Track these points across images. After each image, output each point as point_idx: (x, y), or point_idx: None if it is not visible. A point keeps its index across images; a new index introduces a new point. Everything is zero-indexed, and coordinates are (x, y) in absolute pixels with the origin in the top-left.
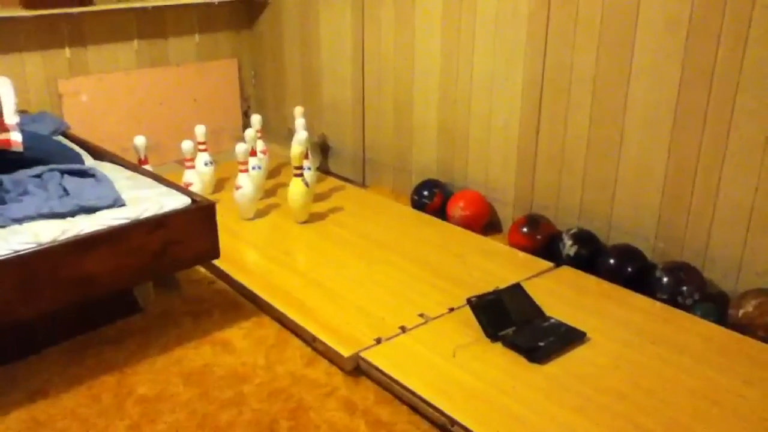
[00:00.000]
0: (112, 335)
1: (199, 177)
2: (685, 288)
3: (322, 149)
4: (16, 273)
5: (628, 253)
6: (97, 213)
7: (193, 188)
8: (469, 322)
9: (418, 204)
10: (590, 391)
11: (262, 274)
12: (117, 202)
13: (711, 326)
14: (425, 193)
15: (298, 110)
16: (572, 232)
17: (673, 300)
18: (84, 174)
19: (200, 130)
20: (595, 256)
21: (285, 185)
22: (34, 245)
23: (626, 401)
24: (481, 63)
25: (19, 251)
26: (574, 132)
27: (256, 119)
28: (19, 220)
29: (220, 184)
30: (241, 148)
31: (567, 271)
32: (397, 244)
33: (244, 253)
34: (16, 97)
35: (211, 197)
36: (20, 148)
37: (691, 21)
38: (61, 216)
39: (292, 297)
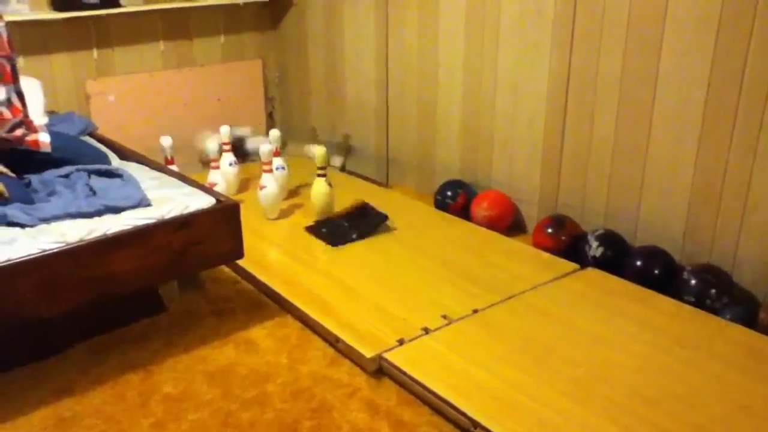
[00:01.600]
0: (136, 334)
1: (223, 177)
2: (713, 291)
3: (345, 149)
4: (44, 272)
5: (655, 255)
6: (123, 213)
7: (217, 188)
8: (493, 324)
9: (442, 204)
10: (615, 394)
11: (286, 274)
12: (143, 202)
13: (740, 330)
14: (449, 193)
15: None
16: (598, 233)
17: (701, 303)
18: (111, 174)
19: (225, 131)
20: (621, 258)
21: (309, 185)
22: (62, 244)
23: (652, 405)
24: (505, 63)
25: (46, 250)
26: (600, 132)
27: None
28: (47, 220)
29: (245, 184)
30: (265, 148)
31: (592, 273)
32: (420, 245)
33: (267, 253)
34: (44, 98)
35: (236, 197)
36: (48, 149)
37: (721, 20)
38: (88, 216)
39: (315, 297)
